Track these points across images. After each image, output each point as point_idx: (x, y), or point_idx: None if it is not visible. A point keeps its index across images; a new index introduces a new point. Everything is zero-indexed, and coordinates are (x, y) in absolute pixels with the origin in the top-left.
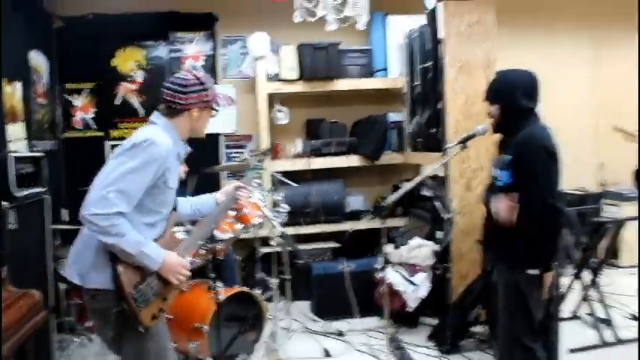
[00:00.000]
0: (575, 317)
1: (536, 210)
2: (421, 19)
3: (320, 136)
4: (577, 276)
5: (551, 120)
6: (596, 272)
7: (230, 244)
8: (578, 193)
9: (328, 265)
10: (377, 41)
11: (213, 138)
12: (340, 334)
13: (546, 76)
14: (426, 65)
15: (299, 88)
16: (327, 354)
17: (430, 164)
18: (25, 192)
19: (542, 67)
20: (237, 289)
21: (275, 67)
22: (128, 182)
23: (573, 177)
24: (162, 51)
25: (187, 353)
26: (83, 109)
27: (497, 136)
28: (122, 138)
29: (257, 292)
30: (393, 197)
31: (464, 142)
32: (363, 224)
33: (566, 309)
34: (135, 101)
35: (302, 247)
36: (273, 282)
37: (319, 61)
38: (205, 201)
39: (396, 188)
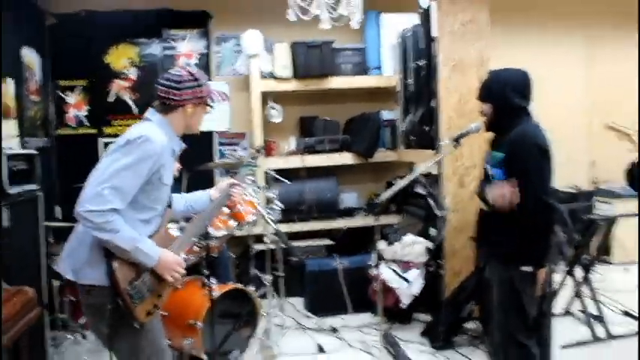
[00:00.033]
0: (567, 313)
1: (529, 207)
2: (415, 18)
3: (313, 133)
4: (569, 273)
5: (545, 119)
6: (588, 269)
7: (224, 242)
8: (571, 190)
9: (322, 261)
10: (371, 39)
11: (207, 135)
12: (334, 330)
13: (539, 74)
14: (420, 63)
15: (293, 86)
16: (321, 350)
17: (423, 162)
18: (18, 189)
19: (535, 65)
20: (231, 285)
21: (269, 65)
22: (123, 179)
23: (566, 175)
24: (155, 48)
25: (181, 350)
26: (76, 107)
27: (490, 134)
28: (115, 135)
29: (251, 288)
30: (386, 194)
31: (457, 139)
32: (356, 221)
33: (558, 305)
34: (128, 98)
35: (296, 244)
36: (267, 279)
37: (313, 59)
38: (199, 198)
39: (389, 185)
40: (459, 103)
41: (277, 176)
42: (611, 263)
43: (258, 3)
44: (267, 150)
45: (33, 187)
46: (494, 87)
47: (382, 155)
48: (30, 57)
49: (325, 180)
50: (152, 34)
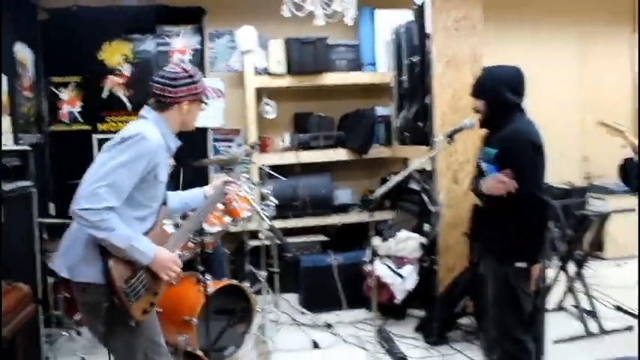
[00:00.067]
0: (560, 308)
1: (523, 204)
2: (409, 14)
3: (308, 129)
4: (562, 268)
5: (538, 115)
6: (581, 264)
7: (219, 238)
8: (564, 186)
9: (316, 257)
10: (365, 36)
11: (202, 132)
12: (328, 326)
13: (533, 71)
14: (414, 60)
15: (287, 82)
16: (316, 346)
17: (418, 158)
18: (12, 186)
19: (528, 62)
20: (225, 281)
21: (263, 61)
22: (118, 177)
23: (559, 171)
24: (149, 44)
25: (176, 346)
26: (70, 103)
27: (484, 130)
28: (109, 131)
29: (246, 284)
30: (380, 190)
31: (451, 135)
32: (351, 217)
33: (551, 300)
34: (122, 95)
35: (290, 240)
36: (262, 275)
37: (307, 56)
38: (195, 195)
39: (383, 182)
40: (452, 99)
41: (272, 172)
42: (603, 259)
43: None
44: (262, 146)
45: (27, 183)
46: (487, 84)
47: (376, 151)
48: (23, 53)
49: (320, 176)
50: (146, 30)
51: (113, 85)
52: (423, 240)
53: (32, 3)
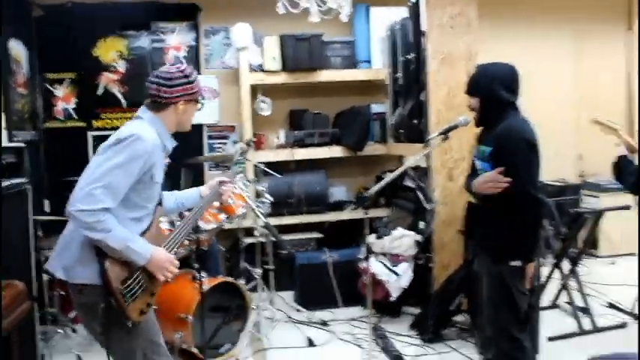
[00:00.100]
0: (554, 306)
1: (517, 202)
2: (404, 11)
3: (303, 127)
4: (557, 265)
5: (533, 113)
6: (575, 262)
7: (214, 235)
8: (558, 184)
9: (312, 255)
10: (360, 33)
11: (196, 129)
12: (324, 323)
13: (528, 68)
14: (409, 57)
15: (282, 79)
16: (311, 343)
17: (413, 155)
18: (7, 183)
19: (523, 59)
20: (221, 279)
21: (258, 58)
22: (114, 178)
23: (554, 168)
24: (144, 41)
25: (172, 343)
26: (64, 99)
27: (479, 128)
28: (104, 128)
29: (241, 282)
30: (375, 188)
31: (446, 133)
32: (345, 215)
33: (545, 298)
34: (117, 91)
35: (285, 237)
36: (257, 272)
37: (302, 53)
38: (190, 195)
39: (378, 179)
40: (447, 97)
41: (267, 169)
42: (597, 256)
43: None
44: (257, 143)
45: (22, 180)
46: (482, 81)
47: (371, 149)
48: (17, 49)
49: (315, 173)
50: (141, 27)
51: (108, 81)
52: (418, 237)
53: (27, 0)
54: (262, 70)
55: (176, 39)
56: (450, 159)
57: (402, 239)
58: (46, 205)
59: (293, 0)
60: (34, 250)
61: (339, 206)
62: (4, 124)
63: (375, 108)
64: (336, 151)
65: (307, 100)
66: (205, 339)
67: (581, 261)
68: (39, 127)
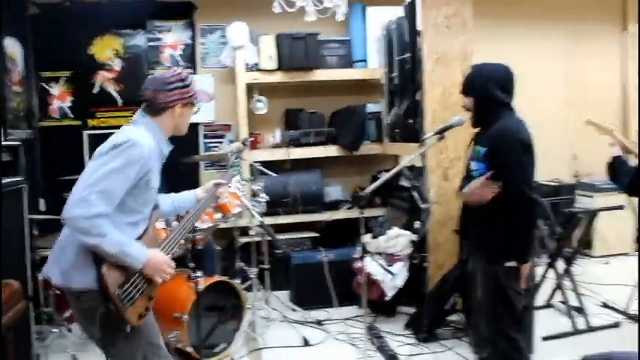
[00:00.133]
0: (548, 305)
1: (512, 202)
2: (399, 11)
3: (299, 126)
4: (551, 265)
5: (528, 113)
6: (569, 262)
7: (209, 234)
8: (553, 184)
9: (307, 254)
10: (356, 32)
11: (192, 128)
12: (319, 323)
13: (523, 69)
14: (404, 57)
15: (278, 78)
16: (306, 343)
17: (408, 155)
18: (2, 181)
19: (518, 59)
20: (216, 278)
21: (254, 57)
22: (110, 183)
23: (548, 168)
24: (140, 39)
25: (167, 343)
26: (60, 98)
27: (476, 128)
28: (100, 127)
29: (236, 281)
30: (371, 187)
31: (441, 132)
32: (341, 214)
33: (540, 297)
34: (112, 90)
35: (281, 236)
36: (253, 271)
37: (298, 52)
38: (187, 197)
39: (374, 178)
40: (443, 96)
41: (263, 169)
42: (592, 256)
43: None
44: (253, 142)
45: (17, 179)
46: (476, 81)
47: (367, 148)
48: (12, 47)
49: (310, 173)
50: (137, 25)
51: (104, 80)
52: (414, 237)
53: None
54: (258, 69)
55: (172, 37)
56: (445, 159)
57: (398, 239)
58: (42, 204)
59: None
60: (29, 250)
61: (334, 206)
62: None
63: (371, 107)
64: (331, 151)
65: (303, 99)
66: (201, 338)
67: (575, 261)
68: (34, 126)
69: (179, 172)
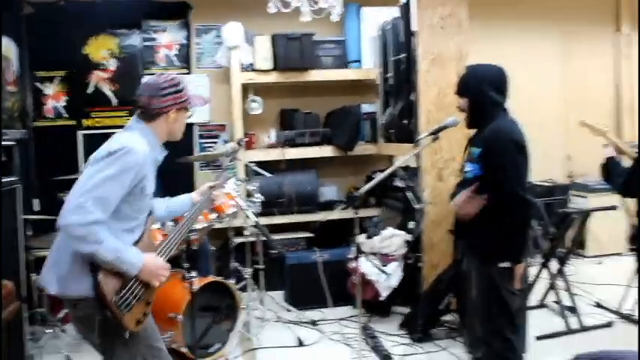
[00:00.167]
0: (542, 305)
1: (506, 203)
2: (395, 11)
3: (294, 126)
4: (544, 265)
5: (522, 113)
6: (563, 262)
7: (204, 234)
8: (547, 184)
9: (302, 254)
10: (351, 32)
11: (187, 128)
12: (313, 323)
13: (517, 69)
14: (399, 57)
15: (273, 78)
16: (301, 343)
17: (403, 155)
18: None
19: (513, 60)
20: (211, 278)
21: (249, 57)
22: (105, 190)
23: (543, 169)
24: (135, 39)
25: None
26: (54, 98)
27: (471, 130)
28: (94, 127)
29: (231, 281)
30: (365, 188)
31: (435, 133)
32: (336, 214)
33: (533, 297)
34: (107, 90)
35: (276, 237)
36: (247, 272)
37: (293, 52)
38: (182, 202)
39: (369, 179)
40: (437, 97)
41: (258, 169)
42: (585, 256)
43: None
44: (248, 143)
45: (11, 178)
46: (470, 82)
47: (362, 148)
48: (7, 47)
49: (305, 173)
50: (132, 25)
51: (98, 80)
52: (408, 237)
53: None
54: (253, 70)
55: (167, 37)
56: (439, 159)
57: (392, 239)
58: (36, 204)
59: (284, 0)
60: (23, 250)
61: (329, 206)
62: None
63: (366, 108)
64: (326, 151)
65: (298, 99)
66: (195, 338)
67: (568, 261)
68: (28, 126)
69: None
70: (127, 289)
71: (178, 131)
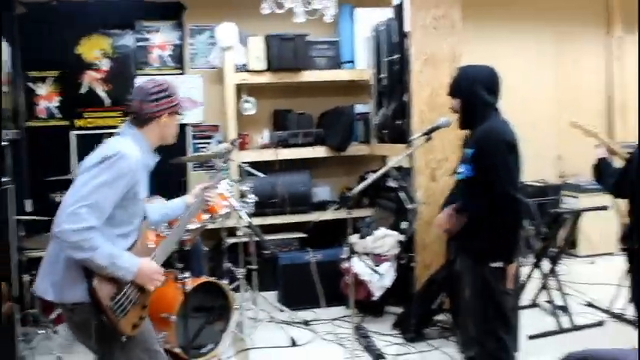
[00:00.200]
0: (534, 305)
1: (498, 203)
2: (388, 12)
3: (287, 127)
4: (536, 265)
5: (514, 114)
6: (554, 261)
7: (197, 234)
8: (539, 184)
9: (295, 255)
10: (344, 33)
11: (180, 129)
12: (306, 323)
13: (510, 70)
14: (393, 58)
15: (266, 78)
16: (294, 343)
17: (396, 155)
18: None
19: (506, 61)
20: (204, 279)
21: (243, 58)
22: (100, 196)
23: (534, 169)
24: (128, 39)
25: None
26: (47, 98)
27: (465, 131)
28: (87, 127)
29: (224, 282)
30: (358, 188)
31: (428, 133)
32: (329, 215)
33: (525, 297)
34: (100, 90)
35: (269, 237)
36: (240, 272)
37: (287, 53)
38: (176, 205)
39: (362, 179)
40: (430, 97)
41: (251, 169)
42: (577, 256)
43: None
44: (241, 143)
45: (3, 179)
46: (462, 83)
47: (355, 149)
48: None
49: (298, 173)
50: (125, 25)
51: (91, 80)
52: (401, 237)
53: None
54: (247, 70)
55: (161, 38)
56: (432, 159)
57: (385, 239)
58: (28, 205)
59: (278, 0)
60: (15, 251)
61: (322, 206)
62: None
63: (359, 108)
64: (319, 152)
65: (291, 100)
66: (188, 339)
67: (560, 260)
68: (21, 126)
69: (167, 173)
70: (122, 293)
71: (170, 135)
